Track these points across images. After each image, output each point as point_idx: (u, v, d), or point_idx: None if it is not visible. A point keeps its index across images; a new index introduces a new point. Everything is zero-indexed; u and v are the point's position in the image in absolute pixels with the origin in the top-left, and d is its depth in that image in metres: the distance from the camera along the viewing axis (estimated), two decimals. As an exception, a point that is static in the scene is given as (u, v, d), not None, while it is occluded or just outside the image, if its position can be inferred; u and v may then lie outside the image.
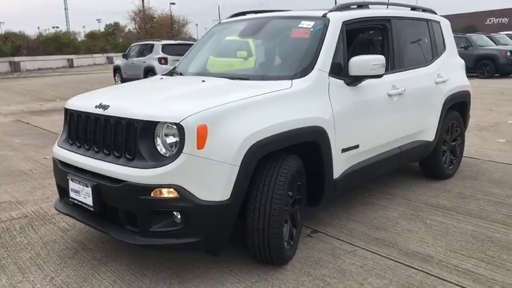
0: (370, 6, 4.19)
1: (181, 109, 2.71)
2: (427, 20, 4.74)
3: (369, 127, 3.74)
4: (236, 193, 2.70)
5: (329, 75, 3.40)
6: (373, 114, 3.79)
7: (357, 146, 3.62)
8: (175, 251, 3.12)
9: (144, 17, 64.04)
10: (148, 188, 2.63)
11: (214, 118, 2.69)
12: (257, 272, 3.00)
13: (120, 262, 3.16)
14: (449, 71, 4.81)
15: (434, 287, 2.81)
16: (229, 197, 2.68)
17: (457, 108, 5.05)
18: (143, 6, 52.90)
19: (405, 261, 3.15)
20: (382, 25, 4.14)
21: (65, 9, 31.52)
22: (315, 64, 3.37)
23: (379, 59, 3.46)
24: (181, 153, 2.62)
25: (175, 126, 2.64)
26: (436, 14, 5.10)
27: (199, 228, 2.67)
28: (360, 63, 3.41)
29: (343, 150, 3.48)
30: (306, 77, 3.30)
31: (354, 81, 3.52)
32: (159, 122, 2.69)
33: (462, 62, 5.26)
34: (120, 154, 2.82)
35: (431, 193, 4.54)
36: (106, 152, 2.91)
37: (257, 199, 2.84)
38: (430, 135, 4.58)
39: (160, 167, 2.64)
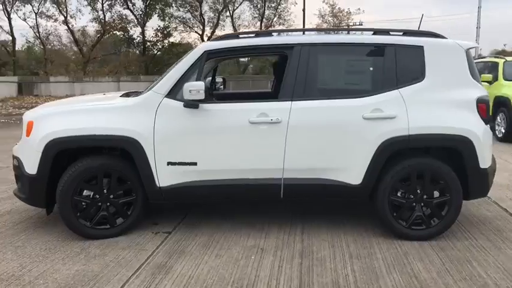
0: (273, 34, 4.09)
1: (31, 111, 4.16)
2: (384, 45, 3.96)
3: (214, 149, 3.89)
4: (40, 171, 3.90)
5: (166, 97, 3.91)
6: (221, 138, 3.89)
7: (194, 163, 3.92)
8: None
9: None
10: (12, 157, 4.23)
11: (38, 118, 3.99)
12: (74, 239, 4.04)
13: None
14: (414, 107, 3.86)
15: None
16: (35, 172, 3.92)
17: (436, 155, 3.95)
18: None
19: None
20: (279, 52, 4.01)
21: (476, 27, 31.11)
22: (154, 86, 3.99)
23: (197, 85, 3.71)
24: (22, 138, 4.08)
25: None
26: (434, 36, 4.08)
27: (24, 189, 4.05)
28: (185, 88, 3.77)
29: (170, 164, 3.91)
30: (140, 96, 3.99)
31: (188, 104, 3.85)
32: None
33: (469, 97, 3.93)
34: None
35: (338, 242, 3.92)
36: None
37: (60, 181, 3.94)
38: (351, 178, 3.92)
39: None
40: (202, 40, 39.12)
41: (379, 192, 3.94)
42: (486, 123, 3.98)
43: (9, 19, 34.68)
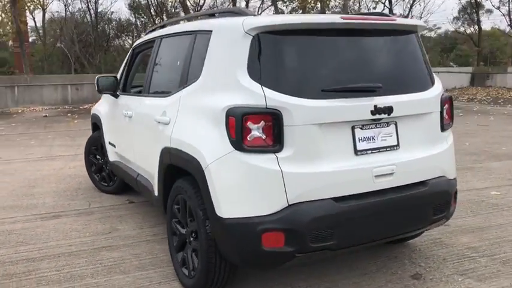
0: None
1: None
2: (187, 33, 3.22)
3: (117, 135, 4.47)
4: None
5: (116, 89, 4.78)
6: (119, 127, 4.42)
7: (114, 145, 4.65)
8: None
9: None
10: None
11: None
12: (93, 189, 5.64)
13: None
14: (181, 113, 3.07)
15: None
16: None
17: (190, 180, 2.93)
18: None
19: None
20: (151, 47, 3.95)
21: None
22: (118, 80, 4.90)
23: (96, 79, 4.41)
24: None
25: None
26: (237, 14, 2.81)
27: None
28: None
29: (109, 143, 4.80)
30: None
31: (112, 94, 4.56)
32: None
33: (217, 106, 2.60)
34: None
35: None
36: None
37: (87, 145, 5.62)
38: (154, 188, 3.51)
39: None
40: None
41: (170, 214, 3.31)
42: (239, 148, 2.47)
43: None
